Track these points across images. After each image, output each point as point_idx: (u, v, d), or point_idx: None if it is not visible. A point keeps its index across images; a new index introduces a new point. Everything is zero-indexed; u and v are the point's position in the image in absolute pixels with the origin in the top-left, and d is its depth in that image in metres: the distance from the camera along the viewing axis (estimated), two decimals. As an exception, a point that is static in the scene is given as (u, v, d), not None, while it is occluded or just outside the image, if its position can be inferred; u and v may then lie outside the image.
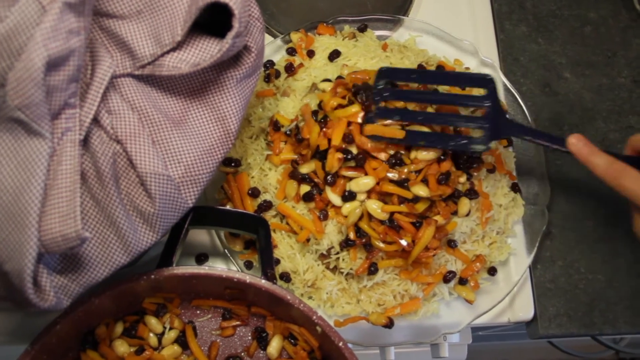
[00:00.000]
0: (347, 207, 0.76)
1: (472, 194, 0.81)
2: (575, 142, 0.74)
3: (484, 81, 0.80)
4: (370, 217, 0.76)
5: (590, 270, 0.91)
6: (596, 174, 0.72)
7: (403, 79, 0.81)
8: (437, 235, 0.77)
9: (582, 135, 0.75)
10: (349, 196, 0.76)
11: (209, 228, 0.83)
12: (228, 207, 0.81)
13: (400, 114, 0.78)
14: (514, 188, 0.88)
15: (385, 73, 0.80)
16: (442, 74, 0.85)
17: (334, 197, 0.76)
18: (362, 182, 0.76)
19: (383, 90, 0.78)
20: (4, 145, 0.57)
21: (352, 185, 0.76)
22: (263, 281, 0.71)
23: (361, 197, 0.76)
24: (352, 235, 0.76)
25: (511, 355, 1.80)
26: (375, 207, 0.76)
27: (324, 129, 0.77)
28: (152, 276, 0.69)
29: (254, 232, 0.75)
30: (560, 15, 1.04)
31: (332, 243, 0.78)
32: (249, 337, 0.78)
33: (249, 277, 0.71)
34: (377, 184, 0.76)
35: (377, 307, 0.80)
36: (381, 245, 0.76)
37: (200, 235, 0.85)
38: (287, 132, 0.80)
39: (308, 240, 0.78)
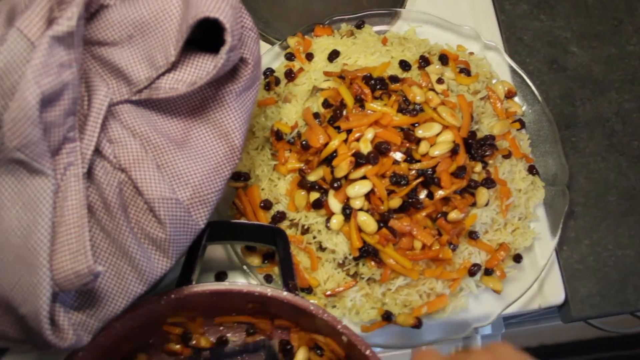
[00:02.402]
0: (334, 223, 0.76)
1: (489, 182, 0.80)
2: None
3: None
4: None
5: (619, 245, 0.89)
6: None
7: None
8: (453, 230, 0.76)
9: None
10: (348, 213, 0.76)
11: (226, 243, 0.82)
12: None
13: None
14: (532, 171, 0.86)
15: None
16: None
17: (334, 203, 0.76)
18: (357, 188, 0.75)
19: None
20: (7, 187, 0.56)
21: (349, 190, 0.75)
22: (285, 293, 0.70)
23: (358, 203, 0.75)
24: (353, 252, 0.76)
25: (546, 337, 1.78)
26: (364, 218, 0.75)
27: (328, 132, 0.76)
28: (172, 296, 0.68)
29: (272, 244, 0.74)
30: (560, -12, 1.02)
31: (345, 253, 0.77)
32: (275, 351, 0.77)
33: (270, 290, 0.70)
34: (372, 191, 0.75)
35: (404, 308, 0.79)
36: (391, 261, 0.76)
37: (217, 253, 0.84)
38: (290, 140, 0.79)
39: (324, 249, 0.78)
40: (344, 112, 0.78)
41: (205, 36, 0.63)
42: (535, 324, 1.39)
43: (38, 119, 0.53)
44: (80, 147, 0.59)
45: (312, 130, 0.77)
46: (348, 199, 0.76)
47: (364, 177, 0.76)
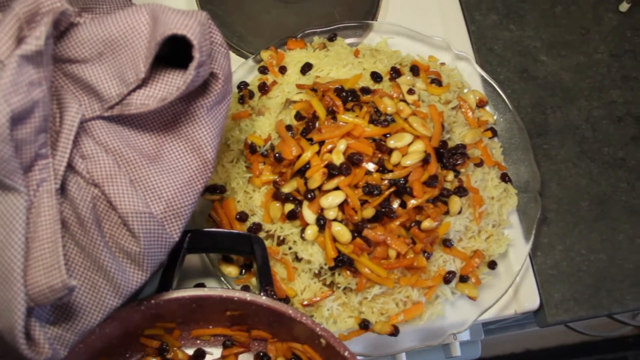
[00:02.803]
0: (309, 234, 0.77)
1: (461, 191, 0.82)
2: None
3: None
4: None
5: (591, 250, 0.91)
6: None
7: None
8: (427, 238, 0.77)
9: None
10: (322, 223, 0.77)
11: (205, 252, 0.83)
12: (219, 232, 0.82)
13: None
14: (504, 178, 0.88)
15: None
16: None
17: (308, 214, 0.77)
18: (330, 199, 0.76)
19: None
20: (-21, 204, 0.57)
21: (322, 201, 0.76)
22: (263, 298, 0.71)
23: (331, 213, 0.76)
24: (329, 262, 0.77)
25: (530, 342, 1.79)
26: (338, 229, 0.76)
27: (301, 144, 0.77)
28: (152, 301, 0.69)
29: (250, 252, 0.75)
30: (529, -1, 1.04)
31: (321, 263, 0.78)
32: (252, 363, 0.78)
33: (249, 295, 0.71)
34: (345, 202, 0.77)
35: (381, 316, 0.80)
36: (366, 270, 0.77)
37: (195, 265, 0.85)
38: (264, 153, 0.81)
39: (300, 259, 0.79)
40: (317, 124, 0.80)
41: (176, 52, 0.64)
42: (519, 329, 1.41)
43: (9, 136, 0.54)
44: (53, 163, 0.60)
45: (285, 142, 0.79)
46: (322, 209, 0.77)
47: (337, 188, 0.77)
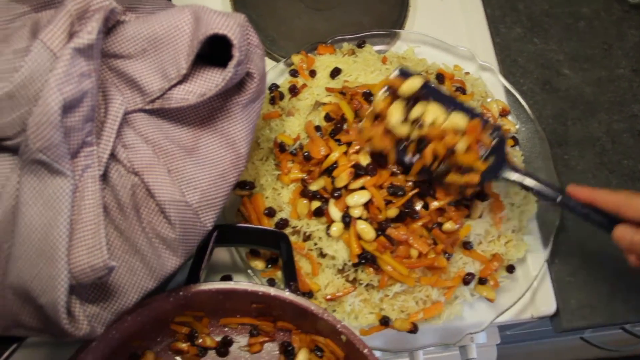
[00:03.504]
0: (334, 230, 0.80)
1: (483, 196, 0.84)
2: (576, 191, 0.75)
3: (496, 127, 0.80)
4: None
5: (608, 259, 0.93)
6: (605, 207, 0.73)
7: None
8: (447, 240, 0.80)
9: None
10: (348, 221, 0.80)
11: (233, 246, 0.86)
12: (248, 226, 0.85)
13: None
14: (525, 185, 0.90)
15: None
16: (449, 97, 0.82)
17: (335, 211, 0.80)
18: (356, 198, 0.79)
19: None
20: (29, 186, 0.61)
21: (348, 200, 0.79)
22: (287, 293, 0.74)
23: (357, 211, 0.79)
24: (353, 259, 0.80)
25: (546, 356, 1.80)
26: (363, 227, 0.79)
27: (329, 144, 0.81)
28: (181, 293, 0.73)
29: (275, 247, 0.78)
30: (553, 13, 1.07)
31: (345, 259, 0.81)
32: (277, 352, 0.81)
33: (273, 290, 0.74)
34: (370, 201, 0.80)
35: (401, 313, 0.82)
36: (388, 268, 0.79)
37: (223, 258, 0.88)
38: (293, 152, 0.84)
39: (324, 255, 0.82)
40: (345, 126, 0.83)
41: (213, 52, 0.68)
42: (534, 340, 1.42)
43: (60, 123, 0.58)
44: (97, 151, 0.64)
45: (313, 142, 0.82)
46: (348, 207, 0.80)
47: (363, 188, 0.80)
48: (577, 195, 0.75)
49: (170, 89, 0.68)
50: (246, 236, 0.79)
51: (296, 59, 0.94)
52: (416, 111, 0.78)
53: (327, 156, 0.81)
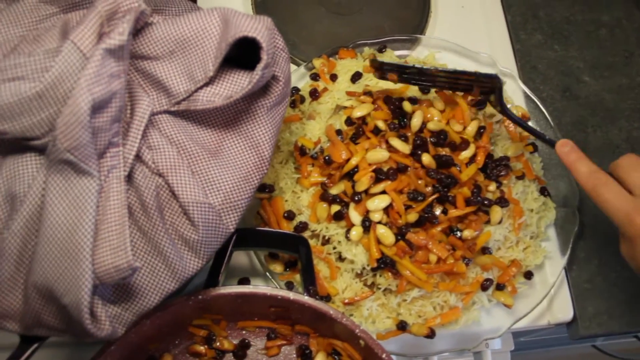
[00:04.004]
0: (354, 234, 0.80)
1: (502, 202, 0.84)
2: (563, 145, 0.76)
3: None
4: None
5: (626, 267, 0.91)
6: (578, 181, 0.74)
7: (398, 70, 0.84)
8: (466, 246, 0.80)
9: (571, 141, 0.77)
10: (367, 225, 0.80)
11: (251, 249, 0.87)
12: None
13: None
14: (544, 192, 0.90)
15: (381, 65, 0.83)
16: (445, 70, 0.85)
17: (355, 215, 0.80)
18: (376, 202, 0.80)
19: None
20: (56, 185, 0.61)
21: (369, 204, 0.79)
22: (306, 297, 0.74)
23: (377, 216, 0.80)
24: (372, 263, 0.80)
25: (558, 363, 1.79)
26: (382, 231, 0.79)
27: (350, 149, 0.81)
28: (200, 297, 0.73)
29: (295, 251, 0.78)
30: (574, 20, 1.07)
31: (364, 263, 0.81)
32: (294, 355, 0.81)
33: (292, 294, 0.74)
34: (390, 205, 0.80)
35: (418, 318, 0.82)
36: (407, 273, 0.80)
37: (241, 260, 0.88)
38: (314, 155, 0.84)
39: (343, 259, 0.82)
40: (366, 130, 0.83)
41: (238, 54, 0.68)
42: (546, 347, 1.42)
43: (88, 123, 0.58)
44: (123, 151, 0.64)
45: (334, 146, 0.82)
46: (368, 212, 0.80)
47: (383, 192, 0.80)
48: (561, 152, 0.76)
49: (196, 91, 0.68)
50: (265, 240, 0.79)
51: (317, 62, 0.94)
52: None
53: (348, 160, 0.81)
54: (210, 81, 0.68)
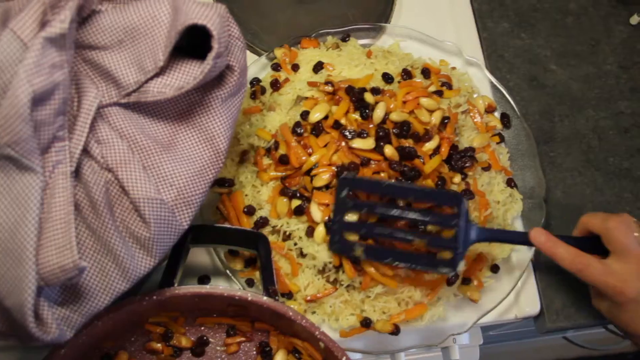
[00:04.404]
0: (317, 235, 0.78)
1: (468, 194, 0.83)
2: (537, 236, 0.76)
3: (455, 199, 0.77)
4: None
5: (594, 259, 0.92)
6: (562, 265, 0.75)
7: (367, 190, 0.78)
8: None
9: (542, 228, 0.77)
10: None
11: (209, 246, 0.84)
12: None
13: (367, 228, 0.77)
14: (510, 183, 0.89)
15: (348, 182, 0.77)
16: (411, 188, 0.78)
17: (316, 211, 0.78)
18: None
19: (345, 201, 0.77)
20: (-4, 182, 0.58)
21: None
22: (265, 298, 0.72)
23: None
24: (336, 261, 0.78)
25: (528, 355, 1.80)
26: None
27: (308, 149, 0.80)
28: (154, 297, 0.71)
29: (254, 248, 0.76)
30: (540, 8, 1.06)
31: (326, 260, 0.79)
32: (254, 352, 0.79)
33: (250, 295, 0.72)
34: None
35: (382, 315, 0.81)
36: (372, 270, 0.78)
37: (201, 257, 0.86)
38: (268, 150, 0.83)
39: (304, 255, 0.80)
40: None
41: (193, 43, 0.66)
42: (517, 340, 1.42)
43: (29, 116, 0.55)
44: (69, 146, 0.61)
45: (291, 149, 0.80)
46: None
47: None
48: (538, 243, 0.76)
49: (147, 81, 0.66)
50: (223, 236, 0.77)
51: (279, 52, 0.92)
52: None
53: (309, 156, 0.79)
54: (161, 71, 0.65)
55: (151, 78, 0.65)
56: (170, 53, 0.64)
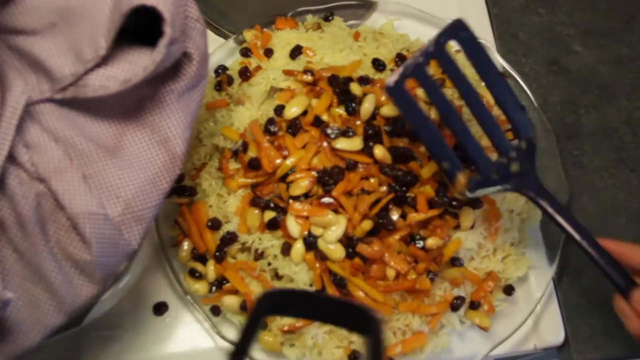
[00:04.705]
0: (295, 254, 0.78)
1: (475, 202, 0.83)
2: None
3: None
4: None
5: (627, 277, 0.92)
6: None
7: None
8: (431, 258, 0.79)
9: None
10: (311, 242, 0.78)
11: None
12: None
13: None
14: (526, 189, 0.89)
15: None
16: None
17: (293, 225, 0.78)
18: (330, 232, 0.78)
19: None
20: None
21: (315, 230, 0.78)
22: None
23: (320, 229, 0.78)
24: (318, 284, 0.78)
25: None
26: (331, 247, 0.78)
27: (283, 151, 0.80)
28: None
29: (358, 330, 0.55)
30: (562, -22, 1.06)
31: (306, 283, 0.79)
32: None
33: None
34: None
35: (375, 346, 0.81)
36: (360, 294, 0.78)
37: (157, 279, 0.86)
38: (235, 152, 0.83)
39: (280, 277, 0.80)
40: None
41: (142, 27, 0.65)
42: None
43: None
44: (-10, 152, 0.61)
45: (263, 151, 0.80)
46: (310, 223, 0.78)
47: (329, 195, 0.78)
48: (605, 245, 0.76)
49: (86, 73, 0.65)
50: (317, 309, 0.55)
51: (249, 35, 0.92)
52: None
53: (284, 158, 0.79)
54: (103, 61, 0.65)
55: (91, 69, 0.65)
56: (114, 39, 0.63)
